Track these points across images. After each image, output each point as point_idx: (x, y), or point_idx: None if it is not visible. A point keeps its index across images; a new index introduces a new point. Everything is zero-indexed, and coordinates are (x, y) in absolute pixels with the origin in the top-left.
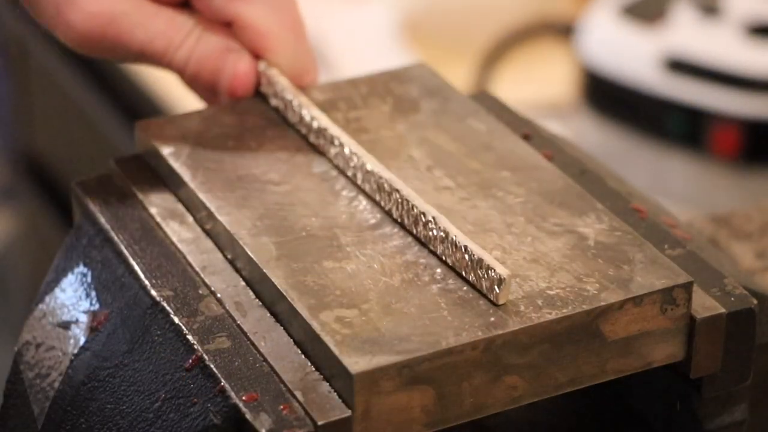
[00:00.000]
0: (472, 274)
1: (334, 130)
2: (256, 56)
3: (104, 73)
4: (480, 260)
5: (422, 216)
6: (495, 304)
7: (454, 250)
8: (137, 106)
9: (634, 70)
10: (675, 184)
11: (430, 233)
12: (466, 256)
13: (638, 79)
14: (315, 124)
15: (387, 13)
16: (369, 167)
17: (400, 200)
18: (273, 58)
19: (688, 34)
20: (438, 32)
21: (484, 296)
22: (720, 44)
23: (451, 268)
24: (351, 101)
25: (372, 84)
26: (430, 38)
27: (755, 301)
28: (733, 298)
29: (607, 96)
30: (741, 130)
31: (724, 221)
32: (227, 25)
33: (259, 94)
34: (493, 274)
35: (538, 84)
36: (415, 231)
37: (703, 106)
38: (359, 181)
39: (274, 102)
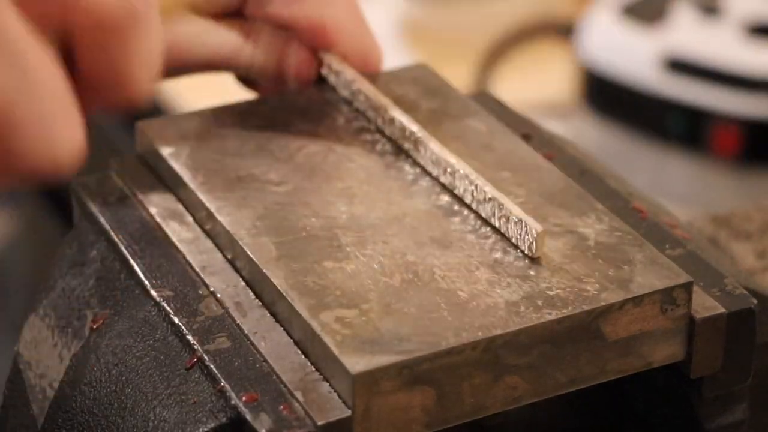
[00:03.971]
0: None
1: (404, 119)
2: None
3: None
4: (519, 220)
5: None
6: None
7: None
8: (137, 106)
9: (634, 70)
10: (675, 184)
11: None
12: (504, 213)
13: (638, 79)
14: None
15: (387, 13)
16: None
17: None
18: (336, 50)
19: (688, 34)
20: (438, 32)
21: (485, 295)
22: (720, 44)
23: (452, 268)
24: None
25: (372, 84)
26: (430, 38)
27: (755, 301)
28: (733, 298)
29: (607, 96)
30: (741, 130)
31: (724, 221)
32: (282, 26)
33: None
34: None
35: (538, 84)
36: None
37: (703, 106)
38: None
39: (343, 93)
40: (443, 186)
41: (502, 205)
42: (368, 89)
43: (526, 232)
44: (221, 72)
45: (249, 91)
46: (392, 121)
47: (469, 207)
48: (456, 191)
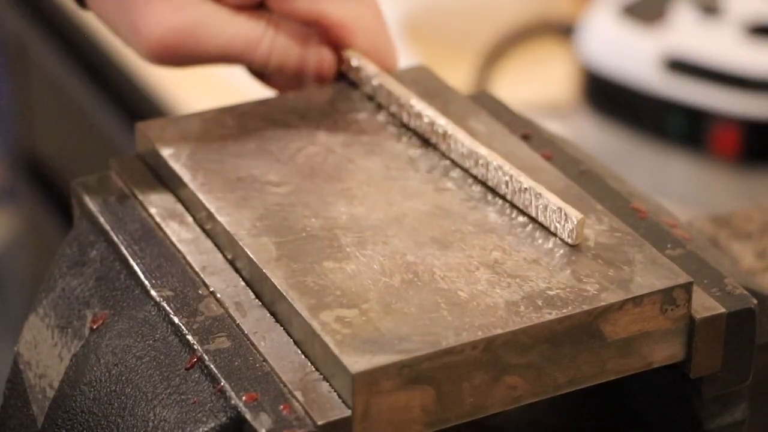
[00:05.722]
0: (544, 219)
1: (430, 113)
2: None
3: (104, 73)
4: (558, 208)
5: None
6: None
7: (526, 197)
8: (137, 106)
9: (634, 70)
10: (675, 184)
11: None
12: (540, 203)
13: (638, 79)
14: (412, 109)
15: (387, 13)
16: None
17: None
18: (357, 49)
19: (688, 34)
20: (438, 32)
21: (485, 295)
22: (720, 44)
23: (452, 268)
24: (351, 102)
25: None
26: (430, 38)
27: (755, 301)
28: (733, 298)
29: (607, 96)
30: (741, 130)
31: (724, 221)
32: (308, 24)
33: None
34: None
35: (538, 84)
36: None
37: (703, 106)
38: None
39: (365, 89)
40: (475, 177)
41: (540, 194)
42: (391, 85)
43: (565, 220)
44: (235, 64)
45: (263, 85)
46: (419, 115)
47: (503, 197)
48: (489, 183)
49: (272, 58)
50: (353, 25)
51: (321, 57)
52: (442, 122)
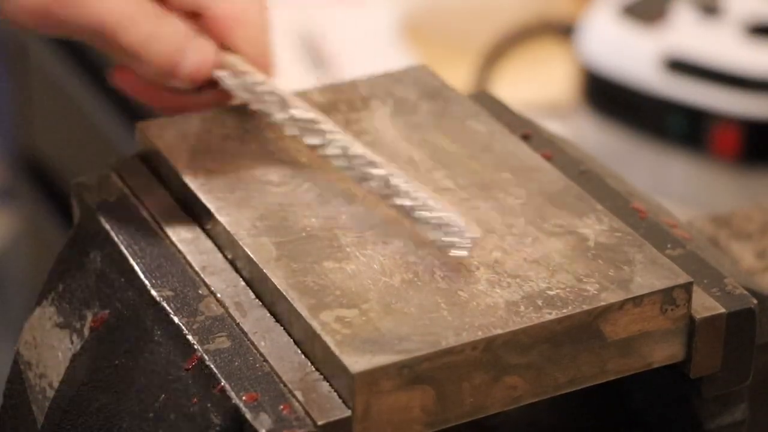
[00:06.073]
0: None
1: (313, 114)
2: (221, 46)
3: (104, 73)
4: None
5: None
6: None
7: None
8: (137, 106)
9: (634, 70)
10: (675, 184)
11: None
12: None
13: (638, 79)
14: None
15: (387, 13)
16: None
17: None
18: (239, 48)
19: (688, 34)
20: (438, 32)
21: (485, 295)
22: (720, 44)
23: (453, 268)
24: (351, 103)
25: (372, 86)
26: (430, 38)
27: (755, 301)
28: (733, 298)
29: (607, 96)
30: (741, 130)
31: (724, 221)
32: (191, 15)
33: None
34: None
35: (538, 84)
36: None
37: (703, 106)
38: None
39: (242, 95)
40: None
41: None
42: (284, 93)
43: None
44: (107, 45)
45: (134, 95)
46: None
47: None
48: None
49: (148, 44)
50: (236, 19)
51: (201, 50)
52: (320, 118)
